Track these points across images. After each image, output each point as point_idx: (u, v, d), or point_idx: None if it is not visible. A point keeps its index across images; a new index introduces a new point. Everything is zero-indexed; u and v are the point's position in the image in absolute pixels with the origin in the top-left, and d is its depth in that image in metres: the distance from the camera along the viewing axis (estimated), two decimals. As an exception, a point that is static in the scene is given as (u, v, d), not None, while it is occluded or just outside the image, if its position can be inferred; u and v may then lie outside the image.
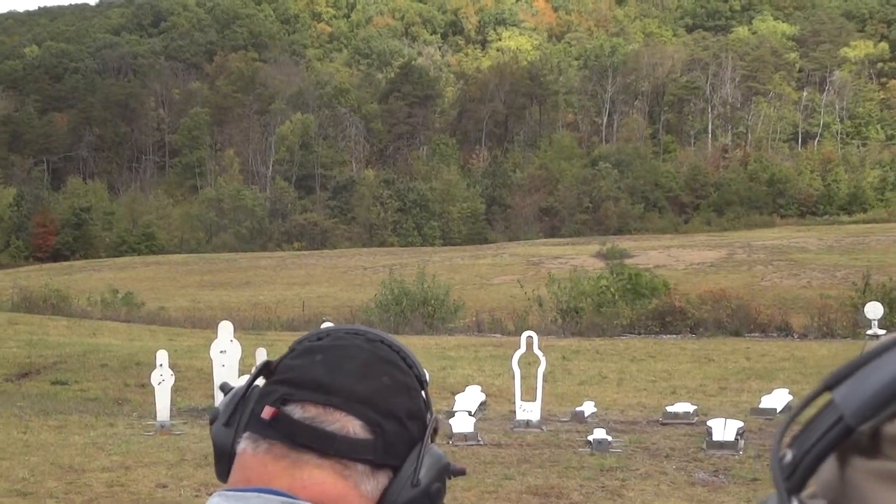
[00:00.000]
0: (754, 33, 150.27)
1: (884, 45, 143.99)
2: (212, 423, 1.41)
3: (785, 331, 35.14)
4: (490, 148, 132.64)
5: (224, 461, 1.38)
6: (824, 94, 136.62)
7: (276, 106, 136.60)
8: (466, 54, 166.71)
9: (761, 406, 18.71)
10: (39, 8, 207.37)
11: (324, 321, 24.15)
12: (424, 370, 1.44)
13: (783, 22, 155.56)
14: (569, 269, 51.38)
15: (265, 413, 1.31)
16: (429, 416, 1.39)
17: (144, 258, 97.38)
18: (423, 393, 1.41)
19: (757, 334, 34.59)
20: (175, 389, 18.98)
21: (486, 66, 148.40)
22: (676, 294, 39.08)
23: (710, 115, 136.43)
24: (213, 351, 20.11)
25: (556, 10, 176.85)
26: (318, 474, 1.28)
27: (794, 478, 0.88)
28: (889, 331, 24.58)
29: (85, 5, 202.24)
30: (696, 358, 28.35)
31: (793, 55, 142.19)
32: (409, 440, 1.34)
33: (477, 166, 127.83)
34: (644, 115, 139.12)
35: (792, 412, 0.91)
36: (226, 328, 20.36)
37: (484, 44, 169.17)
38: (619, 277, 42.15)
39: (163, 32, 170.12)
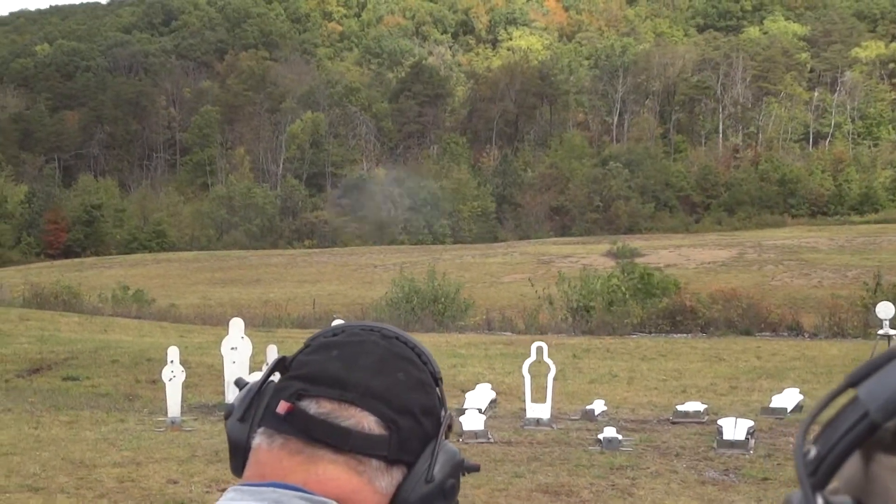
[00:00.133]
0: (765, 33, 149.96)
1: (895, 46, 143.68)
2: (227, 417, 1.40)
3: (796, 330, 35.08)
4: (500, 147, 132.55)
5: (239, 456, 1.38)
6: (835, 94, 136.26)
7: (287, 104, 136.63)
8: (477, 54, 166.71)
9: (772, 405, 18.67)
10: (51, 6, 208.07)
11: (334, 319, 24.13)
12: (439, 367, 1.45)
13: (794, 22, 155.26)
14: (579, 268, 51.32)
15: (280, 408, 1.31)
16: (443, 412, 1.39)
17: (155, 255, 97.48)
18: (437, 389, 1.41)
19: (767, 334, 34.54)
20: (186, 386, 19.00)
21: (497, 66, 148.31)
22: (687, 293, 39.03)
23: (720, 114, 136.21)
24: (224, 348, 20.13)
25: (566, 9, 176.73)
26: (332, 470, 1.28)
27: (819, 474, 0.88)
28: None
29: (96, 4, 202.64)
30: (706, 357, 28.32)
31: (804, 55, 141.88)
32: (424, 436, 1.34)
33: (487, 165, 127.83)
34: (655, 115, 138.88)
35: (815, 408, 0.91)
36: (237, 325, 20.38)
37: (494, 43, 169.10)
38: (630, 276, 42.11)
39: (174, 31, 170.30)
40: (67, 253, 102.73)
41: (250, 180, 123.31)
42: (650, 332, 35.52)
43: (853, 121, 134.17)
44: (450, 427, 1.39)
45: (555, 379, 18.41)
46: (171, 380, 17.83)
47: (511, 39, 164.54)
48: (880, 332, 24.03)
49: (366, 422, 1.30)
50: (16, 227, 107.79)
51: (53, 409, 18.93)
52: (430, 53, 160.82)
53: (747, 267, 68.49)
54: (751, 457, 14.61)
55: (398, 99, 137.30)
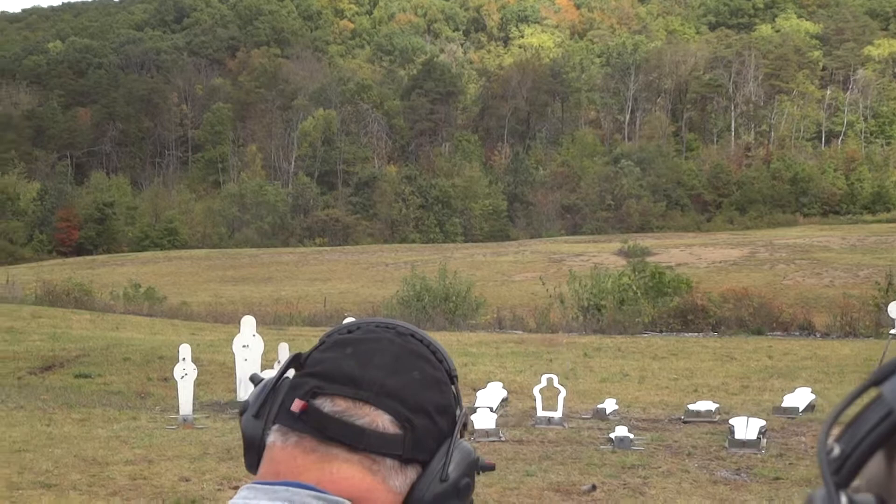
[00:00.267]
0: (778, 31, 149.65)
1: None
2: (241, 414, 1.39)
3: (807, 330, 35.03)
4: (512, 145, 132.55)
5: (253, 452, 1.37)
6: (848, 92, 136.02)
7: (299, 102, 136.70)
8: (489, 51, 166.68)
9: (783, 405, 18.65)
10: (63, 3, 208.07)
11: (345, 317, 24.16)
12: (454, 364, 1.44)
13: (807, 20, 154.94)
14: (590, 267, 51.26)
15: (295, 406, 1.30)
16: (458, 410, 1.38)
17: (167, 253, 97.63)
18: (453, 388, 1.40)
19: (779, 333, 34.50)
20: (197, 383, 19.04)
21: (509, 64, 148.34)
22: (698, 292, 38.99)
23: (732, 113, 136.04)
24: (236, 345, 20.20)
25: (578, 7, 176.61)
26: (346, 469, 1.28)
27: (843, 473, 0.87)
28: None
29: (108, 1, 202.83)
30: (718, 356, 28.29)
31: (816, 53, 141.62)
32: (439, 435, 1.34)
33: (499, 163, 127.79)
34: (667, 113, 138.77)
35: (838, 407, 0.90)
36: (248, 323, 20.44)
37: (506, 41, 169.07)
38: (641, 275, 42.06)
39: (186, 28, 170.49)
40: (79, 250, 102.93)
41: (262, 178, 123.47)
42: (661, 331, 35.50)
43: (865, 119, 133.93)
44: (465, 426, 1.38)
45: (566, 378, 18.40)
46: (182, 378, 17.87)
47: (523, 37, 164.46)
48: (892, 331, 23.98)
49: (380, 420, 1.29)
50: (28, 225, 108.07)
51: (66, 406, 18.98)
52: (442, 51, 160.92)
53: (759, 266, 68.37)
54: (762, 456, 14.61)
55: (410, 96, 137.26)
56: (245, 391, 19.75)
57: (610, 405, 18.79)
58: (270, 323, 37.23)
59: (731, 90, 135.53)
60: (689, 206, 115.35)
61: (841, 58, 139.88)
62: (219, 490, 12.15)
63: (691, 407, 18.39)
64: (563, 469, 13.64)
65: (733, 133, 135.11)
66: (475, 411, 16.99)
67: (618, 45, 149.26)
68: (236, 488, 12.50)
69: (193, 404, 18.20)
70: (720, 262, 71.20)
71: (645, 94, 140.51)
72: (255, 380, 1.43)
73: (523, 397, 20.75)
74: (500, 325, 39.31)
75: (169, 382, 20.69)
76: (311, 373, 1.35)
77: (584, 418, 18.33)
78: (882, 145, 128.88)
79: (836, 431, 0.90)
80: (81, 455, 14.15)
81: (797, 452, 14.89)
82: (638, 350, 29.90)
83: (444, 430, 1.35)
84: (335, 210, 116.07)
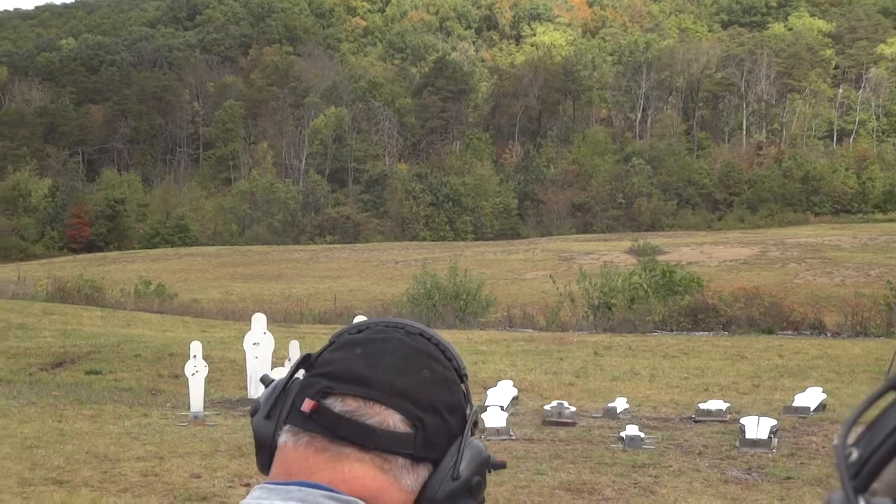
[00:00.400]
0: (790, 30, 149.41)
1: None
2: (252, 414, 1.40)
3: (818, 329, 34.95)
4: (523, 143, 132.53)
5: (265, 452, 1.38)
6: (860, 91, 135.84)
7: (310, 99, 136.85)
8: (500, 49, 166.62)
9: (795, 404, 18.59)
10: (76, 1, 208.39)
11: (356, 315, 24.19)
12: (464, 363, 1.44)
13: (819, 18, 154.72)
14: (601, 265, 51.19)
15: (305, 406, 1.31)
16: (469, 409, 1.39)
17: (178, 250, 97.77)
18: (462, 386, 1.41)
19: (790, 332, 34.43)
20: (208, 381, 19.05)
21: (520, 62, 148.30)
22: (709, 291, 38.94)
23: (744, 111, 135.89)
24: (247, 343, 20.21)
25: (590, 5, 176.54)
26: (358, 468, 1.29)
27: (861, 476, 0.87)
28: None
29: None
30: (728, 355, 28.23)
31: (829, 52, 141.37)
32: (450, 434, 1.34)
33: (510, 161, 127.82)
34: (678, 112, 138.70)
35: (857, 410, 0.89)
36: (259, 320, 20.45)
37: (518, 39, 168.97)
38: (652, 274, 42.01)
39: (198, 26, 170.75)
40: (90, 247, 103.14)
41: (273, 175, 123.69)
42: (672, 330, 35.46)
43: (878, 118, 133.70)
44: (476, 424, 1.39)
45: (576, 377, 18.40)
46: (194, 374, 17.88)
47: (535, 35, 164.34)
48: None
49: (391, 420, 1.30)
50: (39, 221, 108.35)
51: (77, 402, 19.01)
52: (454, 49, 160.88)
53: (770, 265, 68.30)
54: (774, 456, 14.58)
55: (421, 94, 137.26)
56: (255, 389, 19.77)
57: (620, 404, 18.76)
58: (281, 320, 37.25)
59: (742, 88, 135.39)
60: (699, 204, 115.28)
61: (853, 56, 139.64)
62: (230, 487, 12.16)
63: (702, 406, 18.36)
64: (573, 468, 13.63)
65: (745, 131, 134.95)
66: (486, 410, 16.98)
67: (630, 43, 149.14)
68: (247, 485, 12.56)
69: (204, 401, 18.20)
70: (731, 260, 71.13)
71: (657, 93, 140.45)
72: (265, 381, 1.44)
73: (534, 395, 20.74)
74: (510, 323, 39.30)
75: (180, 379, 20.71)
76: (321, 373, 1.35)
77: (594, 417, 18.30)
78: (894, 144, 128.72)
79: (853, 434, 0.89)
80: (93, 451, 14.17)
81: (808, 452, 14.86)
82: (648, 349, 29.85)
83: (455, 429, 1.35)
84: (346, 208, 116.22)
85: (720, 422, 17.49)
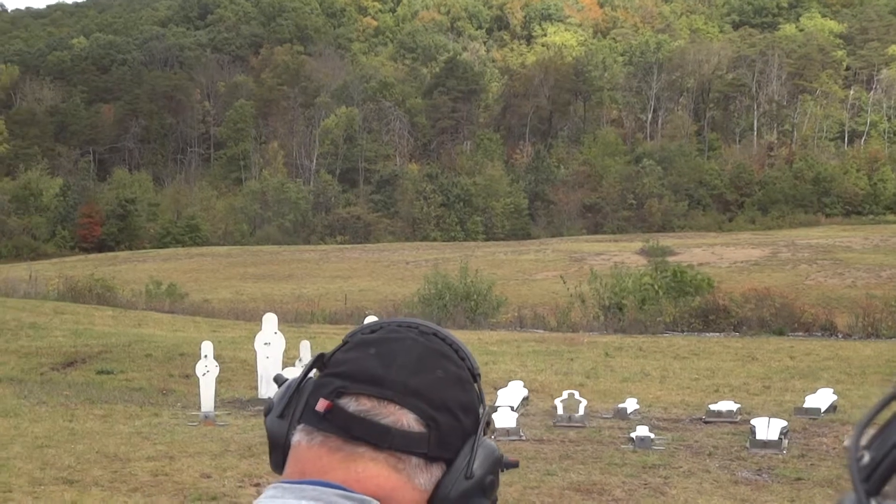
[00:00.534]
0: (801, 31, 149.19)
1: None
2: (266, 414, 1.41)
3: (829, 330, 34.87)
4: (534, 143, 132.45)
5: (278, 452, 1.38)
6: (871, 92, 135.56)
7: (321, 99, 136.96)
8: (511, 49, 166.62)
9: (805, 406, 18.58)
10: (87, 0, 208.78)
11: (367, 315, 24.22)
12: (477, 363, 1.44)
13: (831, 19, 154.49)
14: (611, 266, 51.15)
15: (319, 405, 1.32)
16: (482, 408, 1.39)
17: (188, 250, 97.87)
18: (476, 386, 1.41)
19: (801, 333, 34.37)
20: (219, 380, 19.08)
21: (531, 62, 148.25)
22: (720, 292, 38.89)
23: (755, 112, 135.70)
24: (258, 343, 20.24)
25: (601, 5, 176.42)
26: (372, 467, 1.29)
27: (873, 479, 0.86)
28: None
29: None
30: (739, 356, 28.20)
31: (840, 53, 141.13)
32: (463, 433, 1.35)
33: (520, 162, 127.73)
34: (689, 112, 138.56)
35: (869, 413, 0.89)
36: (270, 320, 20.47)
37: (529, 39, 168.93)
38: (663, 275, 41.97)
39: (209, 25, 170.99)
40: (101, 247, 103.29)
41: (284, 175, 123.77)
42: (683, 331, 35.41)
43: (889, 119, 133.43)
44: (489, 423, 1.39)
45: (587, 377, 18.39)
46: (204, 374, 17.91)
47: (546, 35, 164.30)
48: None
49: (405, 419, 1.30)
50: (51, 221, 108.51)
51: (88, 402, 19.05)
52: (465, 49, 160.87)
53: (781, 266, 68.22)
54: (784, 457, 14.57)
55: (432, 94, 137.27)
56: (266, 388, 19.81)
57: (631, 405, 18.76)
58: (291, 320, 37.26)
59: (754, 89, 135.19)
60: (710, 205, 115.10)
61: (865, 57, 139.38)
62: (240, 487, 12.18)
63: (712, 407, 18.35)
64: (583, 469, 13.63)
65: (756, 133, 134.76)
66: (496, 410, 16.99)
67: (641, 43, 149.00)
68: (257, 485, 12.57)
69: (215, 401, 18.23)
70: (742, 261, 71.06)
71: (667, 93, 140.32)
72: (279, 380, 1.44)
73: (544, 396, 20.74)
74: (521, 323, 39.29)
75: (190, 379, 20.74)
76: (335, 373, 1.36)
77: (604, 418, 18.31)
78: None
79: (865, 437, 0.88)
80: (103, 451, 14.20)
81: (819, 453, 14.85)
82: (659, 350, 29.83)
83: (468, 428, 1.35)
84: (356, 208, 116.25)
85: (731, 423, 17.48)
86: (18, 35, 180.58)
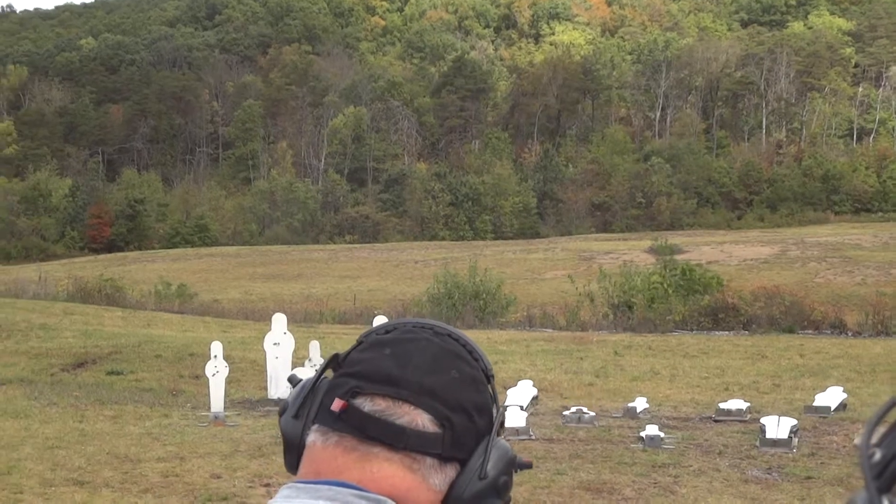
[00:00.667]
0: (810, 28, 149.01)
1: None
2: (281, 414, 1.41)
3: (839, 328, 34.77)
4: (542, 142, 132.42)
5: (293, 452, 1.39)
6: (880, 89, 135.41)
7: (329, 99, 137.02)
8: (519, 48, 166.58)
9: (815, 404, 18.54)
10: (96, 0, 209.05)
11: (376, 316, 24.23)
12: (490, 364, 1.46)
13: (839, 17, 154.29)
14: (620, 265, 51.07)
15: (335, 405, 1.32)
16: (495, 409, 1.41)
17: (197, 250, 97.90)
18: (489, 386, 1.42)
19: (810, 331, 34.29)
20: (229, 381, 19.10)
21: (539, 61, 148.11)
22: (729, 290, 38.80)
23: (764, 110, 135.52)
24: (267, 343, 20.26)
25: (609, 4, 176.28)
26: (387, 467, 1.29)
27: (885, 477, 0.86)
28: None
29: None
30: (749, 355, 28.16)
31: (849, 50, 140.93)
32: (477, 433, 1.35)
33: (529, 160, 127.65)
34: (698, 111, 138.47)
35: (880, 410, 0.89)
36: (279, 320, 20.50)
37: (537, 38, 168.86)
38: (672, 273, 41.90)
39: (217, 25, 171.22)
40: (111, 247, 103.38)
41: (292, 175, 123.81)
42: (692, 330, 35.35)
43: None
44: (502, 424, 1.40)
45: (596, 376, 18.38)
46: (214, 375, 17.93)
47: (554, 34, 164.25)
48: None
49: (420, 419, 1.31)
50: (60, 221, 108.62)
51: (98, 403, 19.08)
52: (473, 48, 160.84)
53: (790, 264, 68.10)
54: (794, 455, 14.55)
55: (440, 93, 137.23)
56: (276, 389, 19.83)
57: (640, 404, 18.74)
58: (301, 320, 37.26)
59: (762, 87, 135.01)
60: (719, 203, 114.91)
61: (873, 55, 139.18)
62: (250, 487, 12.20)
63: (722, 405, 18.33)
64: (593, 468, 13.63)
65: (764, 130, 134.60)
66: (505, 409, 16.96)
67: (649, 42, 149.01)
68: (267, 486, 12.59)
69: (225, 402, 18.26)
70: (751, 259, 70.96)
71: (676, 92, 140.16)
72: (293, 380, 1.45)
73: (553, 395, 20.74)
74: (530, 322, 39.26)
75: (200, 380, 20.75)
76: (350, 373, 1.36)
77: (614, 417, 18.30)
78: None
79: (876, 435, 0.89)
80: (114, 452, 14.23)
81: (829, 452, 14.83)
82: (668, 348, 29.79)
83: (482, 429, 1.36)
84: (365, 207, 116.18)
85: (740, 421, 17.46)
86: (27, 36, 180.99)
